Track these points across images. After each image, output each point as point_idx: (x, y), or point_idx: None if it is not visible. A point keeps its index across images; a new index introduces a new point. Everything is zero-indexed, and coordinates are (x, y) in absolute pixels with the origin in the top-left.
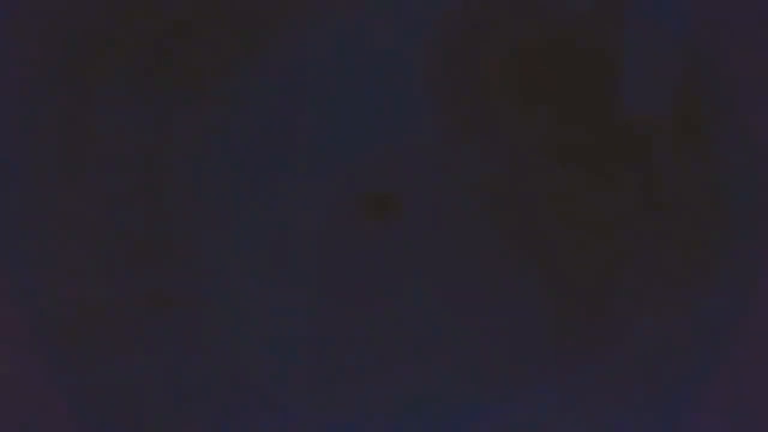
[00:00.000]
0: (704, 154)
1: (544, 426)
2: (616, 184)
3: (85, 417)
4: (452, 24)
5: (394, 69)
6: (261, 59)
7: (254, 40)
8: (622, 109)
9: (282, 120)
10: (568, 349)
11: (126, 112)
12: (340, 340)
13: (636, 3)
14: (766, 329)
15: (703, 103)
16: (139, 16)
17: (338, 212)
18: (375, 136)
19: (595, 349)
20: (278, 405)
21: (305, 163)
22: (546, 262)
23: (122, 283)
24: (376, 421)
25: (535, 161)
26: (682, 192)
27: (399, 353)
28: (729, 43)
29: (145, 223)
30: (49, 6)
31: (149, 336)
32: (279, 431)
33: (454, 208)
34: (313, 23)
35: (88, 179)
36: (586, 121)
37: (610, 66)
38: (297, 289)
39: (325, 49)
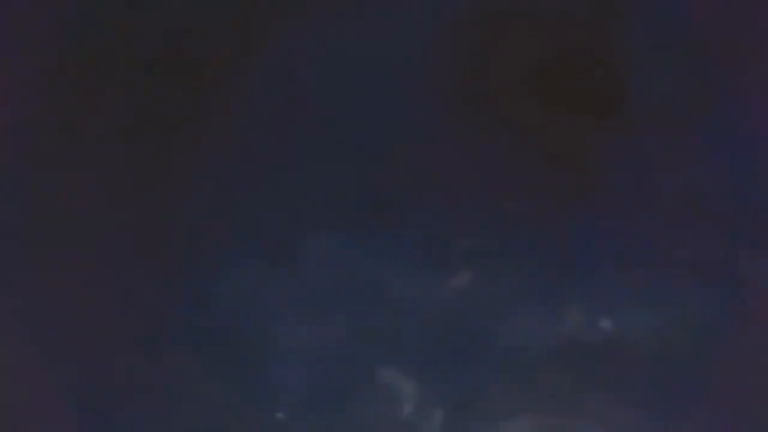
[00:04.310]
0: (704, 150)
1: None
2: (618, 182)
3: (84, 416)
4: (458, 27)
5: (400, 73)
6: (264, 59)
7: (257, 41)
8: (624, 108)
9: (286, 120)
10: None
11: (127, 111)
12: (341, 338)
13: (638, 4)
14: (765, 327)
15: (704, 100)
16: (142, 20)
17: (340, 212)
18: (382, 139)
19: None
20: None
21: (309, 161)
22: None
23: (122, 282)
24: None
25: (537, 162)
26: (681, 188)
27: (399, 345)
28: (730, 41)
29: (145, 222)
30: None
31: (149, 336)
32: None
33: (456, 208)
34: (318, 26)
35: (89, 178)
36: (588, 122)
37: (612, 66)
38: (297, 289)
39: (330, 52)
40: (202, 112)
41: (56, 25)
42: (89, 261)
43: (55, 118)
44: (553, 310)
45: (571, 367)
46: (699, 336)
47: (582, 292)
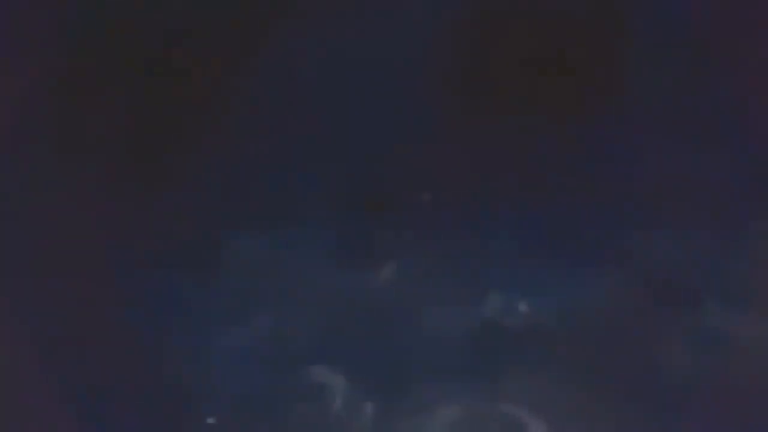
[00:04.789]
0: (703, 149)
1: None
2: (617, 182)
3: (81, 416)
4: (455, 28)
5: (399, 73)
6: (263, 60)
7: (257, 42)
8: (623, 107)
9: (285, 120)
10: None
11: (128, 111)
12: (263, 339)
13: (638, 4)
14: (764, 326)
15: (703, 98)
16: (142, 20)
17: (340, 211)
18: (380, 138)
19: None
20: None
21: (308, 162)
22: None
23: (122, 282)
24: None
25: (535, 163)
26: (680, 187)
27: (398, 343)
28: (730, 39)
29: (145, 222)
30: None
31: (147, 336)
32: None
33: (456, 207)
34: (318, 26)
35: (89, 179)
36: (587, 121)
37: (612, 64)
38: (297, 289)
39: (330, 52)
40: (202, 113)
41: (56, 25)
42: (83, 261)
43: (54, 118)
44: (474, 298)
45: (496, 353)
46: (616, 318)
47: (502, 278)
